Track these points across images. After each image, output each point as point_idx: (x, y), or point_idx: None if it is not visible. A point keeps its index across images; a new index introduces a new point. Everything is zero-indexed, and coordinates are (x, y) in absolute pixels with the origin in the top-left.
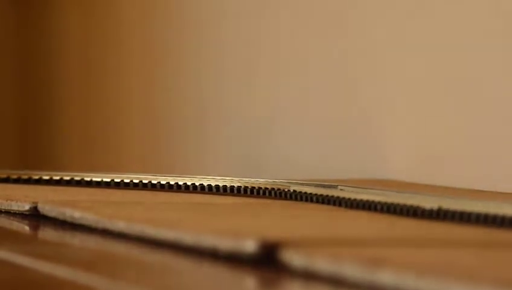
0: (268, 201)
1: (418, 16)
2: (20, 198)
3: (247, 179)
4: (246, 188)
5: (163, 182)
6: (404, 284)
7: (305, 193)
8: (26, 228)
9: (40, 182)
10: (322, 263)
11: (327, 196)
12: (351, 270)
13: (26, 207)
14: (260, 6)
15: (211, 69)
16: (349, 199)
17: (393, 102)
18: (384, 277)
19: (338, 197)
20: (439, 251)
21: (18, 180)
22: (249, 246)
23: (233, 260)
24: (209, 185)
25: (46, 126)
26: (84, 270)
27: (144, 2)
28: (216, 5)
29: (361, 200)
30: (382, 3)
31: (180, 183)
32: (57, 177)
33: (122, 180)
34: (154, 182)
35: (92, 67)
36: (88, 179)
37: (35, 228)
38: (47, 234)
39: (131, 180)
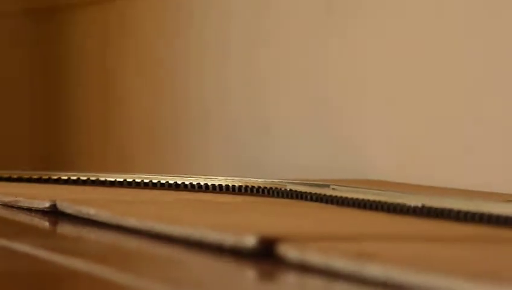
0: (266, 199)
1: (397, 17)
2: (41, 196)
3: (247, 179)
4: (246, 187)
5: (171, 182)
6: (390, 277)
7: (300, 191)
8: (46, 223)
9: (58, 181)
10: (315, 257)
11: (320, 194)
12: (341, 263)
13: (46, 205)
14: (256, 25)
15: (214, 80)
16: (340, 197)
17: (377, 109)
18: (373, 269)
19: (330, 196)
20: (422, 245)
21: (39, 180)
22: (249, 241)
23: (235, 253)
24: (213, 185)
25: (65, 131)
26: (98, 263)
27: (152, 17)
28: (218, 22)
29: (351, 199)
30: (361, 8)
31: (186, 182)
32: (74, 177)
33: (134, 180)
34: (162, 181)
35: (106, 76)
36: (102, 179)
37: (54, 223)
38: (64, 229)
39: (142, 180)
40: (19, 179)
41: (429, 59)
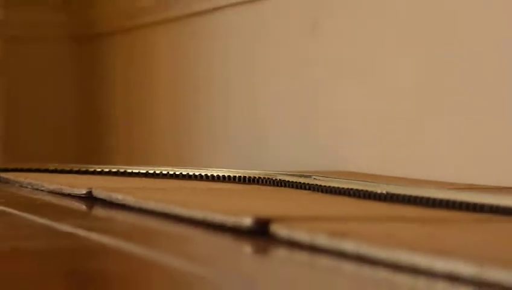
0: (261, 187)
1: (370, 35)
2: (80, 185)
3: (245, 171)
4: (244, 177)
5: (184, 173)
6: (361, 251)
7: (288, 181)
8: (83, 207)
9: (94, 173)
10: (301, 235)
11: (304, 183)
12: (322, 240)
13: (84, 191)
14: (251, 47)
15: (219, 93)
16: (321, 185)
17: (353, 117)
18: (347, 245)
19: (313, 185)
20: (387, 225)
21: (78, 172)
22: (247, 221)
23: (235, 231)
24: (218, 175)
25: (100, 134)
26: (124, 239)
27: (168, 42)
28: (222, 46)
29: (329, 187)
30: (341, 27)
31: (197, 173)
32: (107, 170)
33: (155, 172)
34: (177, 173)
35: (132, 87)
36: (129, 170)
37: (89, 207)
38: (98, 211)
39: (161, 172)
40: (63, 171)
41: (401, 69)
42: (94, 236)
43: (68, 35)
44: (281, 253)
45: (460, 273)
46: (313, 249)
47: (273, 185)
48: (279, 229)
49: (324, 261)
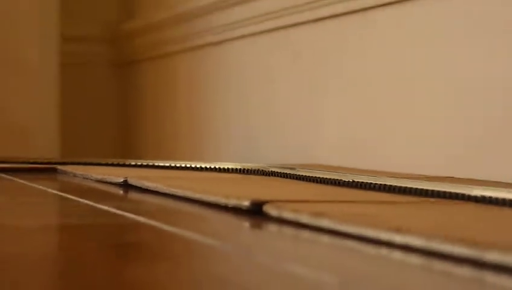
0: (256, 177)
1: (346, 62)
2: (118, 175)
3: (244, 164)
4: (243, 169)
5: (197, 166)
6: (335, 227)
7: (277, 172)
8: (120, 192)
9: (129, 166)
10: (288, 214)
11: (290, 174)
12: (305, 218)
13: (121, 180)
14: (247, 75)
15: (222, 107)
16: (302, 175)
17: (329, 106)
18: (324, 222)
19: (297, 175)
20: (355, 206)
21: (117, 165)
22: (246, 203)
23: (236, 211)
24: (224, 168)
25: (134, 135)
26: (152, 217)
27: (187, 68)
28: (227, 73)
29: (310, 176)
30: (319, 57)
31: (207, 166)
32: (139, 163)
33: (175, 165)
34: (192, 166)
35: (159, 101)
36: (156, 164)
37: (125, 192)
38: (132, 196)
39: (180, 165)
40: (105, 164)
41: (373, 93)
42: (128, 215)
43: (110, 62)
44: (272, 228)
45: (413, 245)
46: (297, 225)
47: (266, 175)
48: (271, 210)
49: (306, 234)
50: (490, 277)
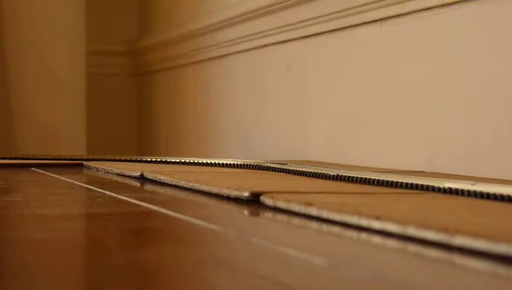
0: (254, 171)
1: (336, 73)
2: (135, 169)
3: (242, 160)
4: (243, 164)
5: (204, 161)
6: (322, 215)
7: (272, 167)
8: (137, 184)
9: (145, 161)
10: (282, 203)
11: (283, 168)
12: (296, 207)
13: (138, 174)
14: (246, 86)
15: (223, 112)
16: (293, 170)
17: (315, 110)
18: (312, 211)
19: (289, 169)
20: (340, 197)
21: (135, 161)
22: (245, 194)
23: (237, 200)
24: (226, 163)
25: (149, 135)
26: (164, 206)
27: (194, 79)
28: (235, 84)
29: (300, 171)
30: (311, 67)
31: (211, 162)
32: (154, 159)
33: (184, 160)
34: (199, 161)
35: (170, 106)
36: (168, 160)
37: (141, 184)
38: (147, 187)
39: (188, 160)
40: (125, 160)
41: (363, 100)
42: (144, 204)
43: (130, 73)
44: (267, 215)
45: (390, 230)
46: (289, 213)
47: (262, 170)
48: (267, 200)
49: (297, 221)
50: (457, 258)
